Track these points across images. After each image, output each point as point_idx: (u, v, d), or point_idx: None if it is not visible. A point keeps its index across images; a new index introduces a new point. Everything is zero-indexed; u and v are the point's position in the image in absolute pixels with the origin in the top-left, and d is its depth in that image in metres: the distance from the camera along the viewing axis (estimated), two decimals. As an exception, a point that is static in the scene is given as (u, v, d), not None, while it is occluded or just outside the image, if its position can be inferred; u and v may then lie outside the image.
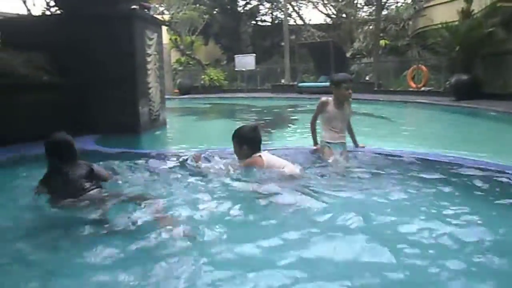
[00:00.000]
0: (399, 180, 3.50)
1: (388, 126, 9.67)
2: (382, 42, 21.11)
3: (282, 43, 24.51)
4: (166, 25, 19.43)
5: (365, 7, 27.48)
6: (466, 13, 13.61)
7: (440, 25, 14.41)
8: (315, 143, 4.60)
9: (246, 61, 22.70)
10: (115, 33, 6.91)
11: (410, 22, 22.77)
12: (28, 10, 8.57)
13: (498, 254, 2.16)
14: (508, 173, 3.50)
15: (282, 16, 26.25)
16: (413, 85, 17.02)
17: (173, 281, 1.99)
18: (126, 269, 2.09)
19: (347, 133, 4.66)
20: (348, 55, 21.86)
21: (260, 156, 3.51)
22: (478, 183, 3.35)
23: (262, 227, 2.60)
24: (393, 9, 25.13)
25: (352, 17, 25.71)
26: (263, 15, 30.72)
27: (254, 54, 23.52)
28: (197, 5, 24.66)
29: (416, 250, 2.22)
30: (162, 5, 23.28)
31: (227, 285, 1.94)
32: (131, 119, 7.05)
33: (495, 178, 3.44)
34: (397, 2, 26.34)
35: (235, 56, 23.33)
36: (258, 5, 29.84)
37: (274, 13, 30.74)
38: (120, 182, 3.45)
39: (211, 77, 23.09)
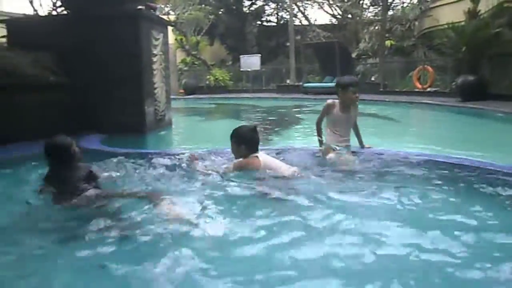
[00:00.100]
0: (402, 181, 3.48)
1: (393, 127, 9.63)
2: (387, 42, 21.02)
3: (288, 44, 24.47)
4: (172, 26, 19.48)
5: (371, 7, 27.44)
6: (472, 14, 13.53)
7: (446, 26, 14.31)
8: (321, 144, 4.58)
9: (251, 62, 22.69)
10: (121, 33, 6.93)
11: (416, 23, 22.67)
12: (35, 10, 8.59)
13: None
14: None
15: (288, 17, 26.25)
16: (419, 85, 16.94)
17: (169, 279, 2.00)
18: (125, 267, 2.11)
19: (354, 133, 4.64)
20: (353, 55, 21.78)
21: (257, 156, 3.53)
22: (485, 185, 3.30)
23: (258, 226, 2.59)
24: (399, 10, 25.03)
25: (357, 18, 25.64)
26: (268, 15, 30.74)
27: (260, 55, 23.52)
28: (203, 5, 24.68)
29: (416, 254, 2.19)
30: (168, 5, 23.33)
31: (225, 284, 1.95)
32: (137, 119, 7.07)
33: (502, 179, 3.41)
34: (403, 3, 26.31)
35: (241, 56, 23.34)
36: (263, 5, 29.83)
37: (280, 14, 30.75)
38: (114, 180, 3.50)
39: (216, 77, 23.11)
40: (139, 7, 7.46)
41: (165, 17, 16.33)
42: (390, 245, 2.29)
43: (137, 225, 2.59)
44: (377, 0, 25.88)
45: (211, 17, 24.45)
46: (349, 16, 26.31)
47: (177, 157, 4.14)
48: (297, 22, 27.73)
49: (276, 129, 8.61)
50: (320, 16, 47.75)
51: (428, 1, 21.31)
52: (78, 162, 3.22)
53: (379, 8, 25.39)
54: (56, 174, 3.10)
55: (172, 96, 9.01)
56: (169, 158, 4.17)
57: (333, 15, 28.11)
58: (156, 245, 2.36)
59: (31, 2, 8.58)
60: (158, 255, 2.19)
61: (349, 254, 2.21)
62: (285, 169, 3.55)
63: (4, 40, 7.31)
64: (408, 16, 22.75)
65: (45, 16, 8.16)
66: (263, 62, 23.38)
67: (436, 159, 4.08)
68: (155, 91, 7.50)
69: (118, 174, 3.68)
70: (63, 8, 7.90)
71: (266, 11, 30.31)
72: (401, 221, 2.65)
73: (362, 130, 4.81)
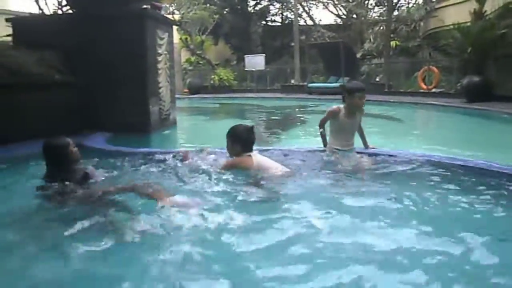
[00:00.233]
0: (402, 182, 3.48)
1: (398, 127, 9.60)
2: (392, 43, 20.98)
3: (292, 44, 24.48)
4: (177, 25, 19.51)
5: (376, 7, 27.41)
6: (478, 14, 13.46)
7: (451, 26, 14.23)
8: (325, 145, 4.57)
9: (256, 61, 22.72)
10: (126, 33, 6.95)
11: (421, 23, 22.58)
12: (41, 9, 8.63)
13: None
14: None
15: (292, 16, 26.24)
16: (424, 86, 16.88)
17: (168, 278, 2.01)
18: (124, 265, 2.13)
19: (358, 134, 4.63)
20: (358, 55, 21.76)
21: (249, 155, 3.56)
22: (489, 186, 3.30)
23: (254, 226, 2.59)
24: (404, 10, 24.96)
25: (362, 18, 25.60)
26: (273, 15, 30.78)
27: (264, 54, 23.54)
28: (208, 5, 24.74)
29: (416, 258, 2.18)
30: (172, 4, 23.37)
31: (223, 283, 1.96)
32: (142, 118, 7.09)
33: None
34: (408, 3, 26.25)
35: (245, 56, 23.38)
36: (268, 5, 29.87)
37: (284, 13, 30.79)
38: (103, 178, 3.49)
39: (221, 77, 23.13)
40: (145, 6, 7.48)
41: (170, 16, 16.36)
42: (390, 246, 2.28)
43: (133, 220, 2.60)
44: (382, 1, 25.82)
45: (216, 16, 24.49)
46: (354, 16, 26.28)
47: (171, 155, 4.19)
48: (302, 22, 27.74)
49: (279, 129, 8.60)
50: (325, 16, 47.65)
51: (433, 2, 21.23)
52: (76, 162, 3.26)
53: (384, 9, 25.36)
54: (53, 173, 3.15)
55: (176, 96, 9.03)
56: (165, 156, 4.19)
57: (338, 15, 28.12)
58: (151, 241, 2.38)
59: (36, 1, 8.61)
60: (152, 252, 2.22)
61: (345, 250, 2.22)
62: (278, 168, 3.57)
63: (9, 38, 7.35)
64: (413, 17, 22.66)
65: (51, 15, 8.21)
66: (267, 62, 23.39)
67: (442, 161, 4.06)
68: (160, 90, 7.52)
69: (119, 172, 3.69)
70: (68, 7, 7.93)
71: (271, 11, 30.38)
72: (401, 221, 2.65)
73: (365, 130, 4.79)
